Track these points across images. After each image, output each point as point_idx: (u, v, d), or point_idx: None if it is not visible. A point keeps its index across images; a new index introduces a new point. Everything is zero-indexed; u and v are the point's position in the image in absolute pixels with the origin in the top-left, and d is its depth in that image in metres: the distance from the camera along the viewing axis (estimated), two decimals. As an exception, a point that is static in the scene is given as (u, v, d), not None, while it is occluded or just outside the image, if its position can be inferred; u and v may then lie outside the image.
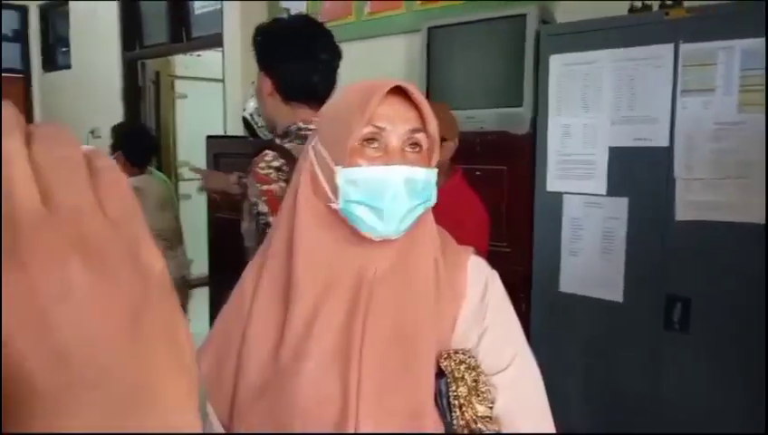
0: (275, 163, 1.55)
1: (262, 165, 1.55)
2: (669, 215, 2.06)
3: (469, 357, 0.92)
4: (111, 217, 0.26)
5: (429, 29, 2.76)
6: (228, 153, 3.90)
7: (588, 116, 2.25)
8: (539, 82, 2.37)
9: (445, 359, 0.91)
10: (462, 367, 0.90)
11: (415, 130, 0.90)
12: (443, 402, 0.88)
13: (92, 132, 5.77)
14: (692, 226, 2.02)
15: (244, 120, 3.61)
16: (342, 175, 0.89)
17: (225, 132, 4.25)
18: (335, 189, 0.90)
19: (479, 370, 0.91)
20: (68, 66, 6.12)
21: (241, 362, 0.93)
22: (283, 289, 0.94)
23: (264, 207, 1.52)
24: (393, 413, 0.87)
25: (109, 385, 0.24)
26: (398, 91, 0.91)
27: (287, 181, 1.47)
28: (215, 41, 4.40)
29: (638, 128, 2.13)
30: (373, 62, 3.54)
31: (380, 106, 0.89)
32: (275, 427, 0.88)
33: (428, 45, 2.77)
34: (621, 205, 2.17)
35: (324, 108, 1.01)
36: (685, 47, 2.02)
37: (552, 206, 2.34)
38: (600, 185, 2.21)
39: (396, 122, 0.89)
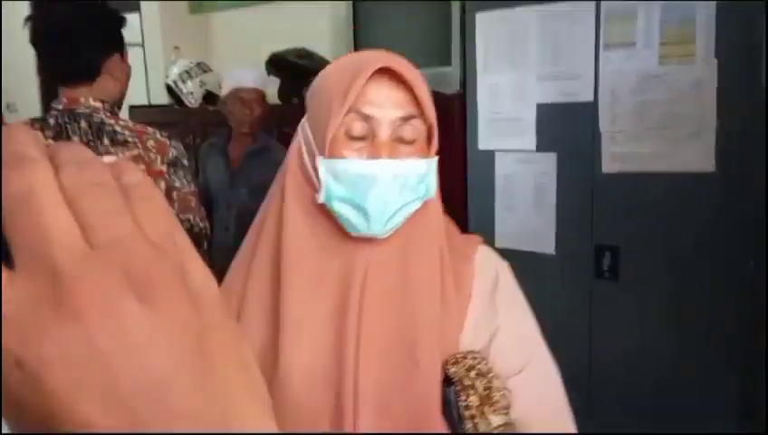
0: None
1: None
2: (596, 168, 2.12)
3: (480, 362, 0.82)
4: (154, 238, 0.24)
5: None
6: (155, 123, 3.78)
7: (515, 73, 2.27)
8: (466, 40, 2.37)
9: (452, 364, 0.81)
10: (472, 373, 0.80)
11: (408, 118, 0.79)
12: (453, 413, 0.79)
13: (8, 107, 5.50)
14: (618, 177, 2.09)
15: (167, 87, 3.50)
16: (324, 166, 0.80)
17: (149, 101, 4.11)
18: (319, 180, 0.81)
19: (491, 375, 0.81)
20: (-26, 37, 5.77)
21: None
22: (273, 288, 0.85)
23: None
24: (394, 425, 0.79)
25: (185, 428, 0.22)
26: (388, 71, 0.78)
27: None
28: (130, 5, 4.20)
29: (563, 84, 2.16)
30: (299, 23, 3.46)
31: (366, 89, 0.78)
32: None
33: (354, 5, 2.72)
34: (551, 160, 2.21)
35: (314, 81, 0.88)
36: (606, 3, 2.05)
37: (484, 163, 2.37)
38: (530, 141, 2.25)
39: (385, 108, 0.78)
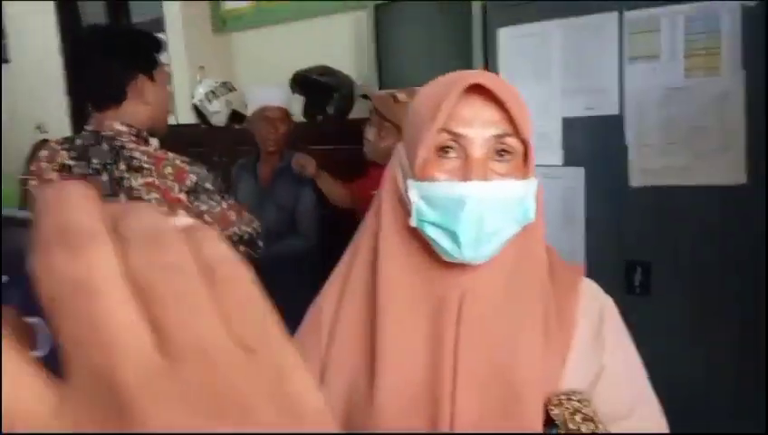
0: None
1: None
2: (624, 182, 2.10)
3: (585, 404, 0.77)
4: (243, 337, 0.19)
5: (376, 6, 2.72)
6: (181, 142, 3.83)
7: (539, 88, 2.26)
8: (489, 56, 2.37)
9: (555, 405, 0.76)
10: (577, 417, 0.75)
11: (502, 136, 0.75)
12: None
13: (39, 128, 5.61)
14: (646, 191, 2.07)
15: (194, 107, 3.55)
16: (414, 188, 0.77)
17: (177, 121, 4.17)
18: (410, 203, 0.78)
19: (596, 419, 0.76)
20: (6, 60, 5.90)
21: (320, 387, 0.82)
22: (368, 313, 0.82)
23: None
24: None
25: None
26: (480, 88, 0.75)
27: None
28: (156, 25, 4.27)
29: (588, 97, 2.15)
30: (322, 41, 3.49)
31: (458, 107, 0.75)
32: None
33: (376, 23, 2.73)
34: (578, 174, 2.20)
35: (412, 102, 0.86)
36: (629, 15, 2.03)
37: (510, 179, 2.36)
38: (556, 156, 2.24)
39: (477, 127, 0.75)
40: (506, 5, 2.34)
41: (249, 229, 1.73)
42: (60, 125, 5.37)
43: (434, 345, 0.78)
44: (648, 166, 2.06)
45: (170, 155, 1.68)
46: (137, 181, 1.63)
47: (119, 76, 1.69)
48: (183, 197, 1.64)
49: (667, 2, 1.95)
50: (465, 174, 0.75)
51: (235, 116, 3.55)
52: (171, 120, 4.20)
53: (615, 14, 2.05)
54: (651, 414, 0.83)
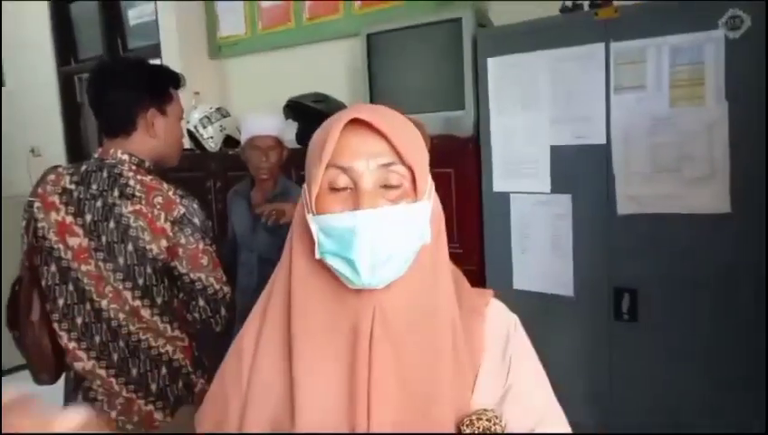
0: None
1: None
2: (611, 209, 2.13)
3: (494, 423, 0.80)
4: None
5: (368, 36, 2.77)
6: (176, 167, 3.85)
7: (528, 116, 2.29)
8: (479, 84, 2.41)
9: (467, 426, 0.79)
10: None
11: (388, 165, 0.78)
12: None
13: (32, 151, 5.62)
14: (633, 219, 2.09)
15: (189, 132, 3.58)
16: (314, 222, 0.81)
17: (171, 145, 4.19)
18: (314, 236, 0.82)
19: None
20: (1, 84, 5.94)
21: (243, 424, 0.85)
22: (285, 340, 0.85)
23: None
24: None
25: None
26: (364, 122, 0.79)
27: None
28: (152, 51, 4.32)
29: (575, 126, 2.18)
30: (315, 68, 3.54)
31: (343, 142, 0.78)
32: None
33: (368, 52, 2.78)
34: (566, 202, 2.23)
35: None
36: (615, 45, 2.07)
37: (499, 205, 2.39)
38: (544, 183, 2.27)
39: (362, 159, 0.78)
40: (496, 35, 2.39)
41: (217, 287, 1.72)
42: (54, 149, 5.39)
43: (349, 370, 0.80)
44: (634, 193, 2.08)
45: (165, 186, 1.71)
46: (126, 208, 1.66)
47: (130, 107, 1.73)
48: (167, 226, 1.66)
49: (653, 34, 2.00)
50: (355, 204, 0.78)
51: (229, 141, 3.57)
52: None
53: (602, 45, 2.09)
54: (556, 424, 0.86)
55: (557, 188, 2.25)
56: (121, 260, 1.67)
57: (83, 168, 1.74)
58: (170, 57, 4.09)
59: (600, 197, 2.15)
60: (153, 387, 1.74)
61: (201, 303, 1.71)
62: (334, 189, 0.80)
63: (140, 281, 1.68)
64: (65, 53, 5.24)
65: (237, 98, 4.07)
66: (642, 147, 2.05)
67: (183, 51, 4.05)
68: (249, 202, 2.83)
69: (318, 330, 0.83)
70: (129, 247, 1.66)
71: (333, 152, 0.79)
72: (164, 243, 1.66)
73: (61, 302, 1.73)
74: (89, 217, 1.69)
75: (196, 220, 1.70)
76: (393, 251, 0.78)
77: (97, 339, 1.72)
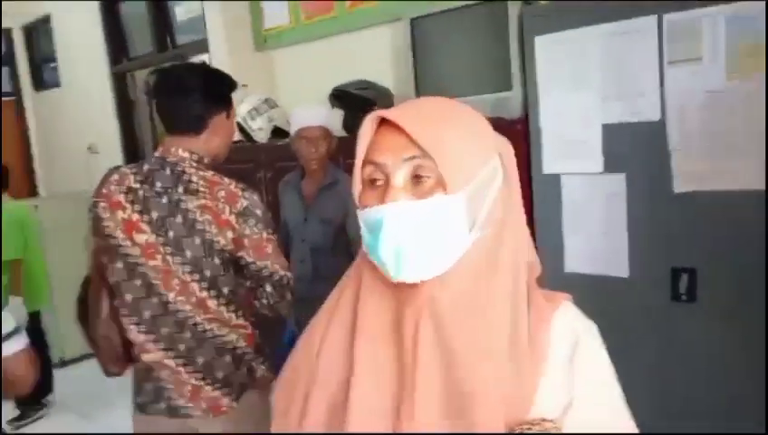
0: None
1: None
2: (668, 187, 2.06)
3: (555, 432, 0.75)
4: None
5: (412, 20, 2.75)
6: (227, 159, 3.91)
7: (578, 95, 2.24)
8: (526, 64, 2.36)
9: (520, 433, 0.75)
10: None
11: (412, 158, 0.79)
12: None
13: (89, 148, 5.79)
14: (691, 197, 2.02)
15: (238, 124, 3.62)
16: (359, 218, 0.84)
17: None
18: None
19: None
20: (57, 85, 6.12)
21: (306, 406, 0.87)
22: (348, 338, 0.87)
23: None
24: None
25: None
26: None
27: None
28: (200, 46, 4.39)
29: (628, 103, 2.12)
30: (360, 55, 3.53)
31: (378, 137, 0.82)
32: None
33: (412, 36, 2.75)
34: (619, 181, 2.17)
35: None
36: (668, 17, 2.00)
37: (550, 187, 2.35)
38: (597, 163, 2.21)
39: (389, 153, 0.80)
40: (542, 13, 2.34)
41: (282, 273, 1.81)
42: (110, 145, 5.54)
43: (398, 367, 0.81)
44: (691, 170, 2.01)
45: (226, 180, 1.79)
46: (192, 204, 1.74)
47: (204, 110, 1.83)
48: (232, 219, 1.74)
49: (707, 3, 1.92)
50: (384, 198, 0.80)
51: (277, 132, 3.60)
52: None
53: (654, 18, 2.02)
54: None
55: (610, 167, 2.19)
56: (189, 253, 1.74)
57: (146, 167, 1.81)
58: (218, 51, 4.15)
59: (655, 175, 2.08)
60: (219, 374, 1.81)
61: (268, 289, 1.79)
62: (371, 185, 0.82)
63: (207, 272, 1.75)
64: (117, 52, 5.37)
65: (284, 89, 4.10)
66: (698, 122, 1.98)
67: (230, 44, 4.09)
68: (300, 192, 2.86)
69: (377, 326, 0.83)
70: (197, 241, 1.73)
71: (368, 149, 0.82)
72: (230, 234, 1.73)
73: (128, 297, 1.80)
74: (155, 214, 1.75)
75: (258, 211, 1.78)
76: (421, 244, 0.78)
77: (164, 331, 1.79)
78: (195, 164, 1.79)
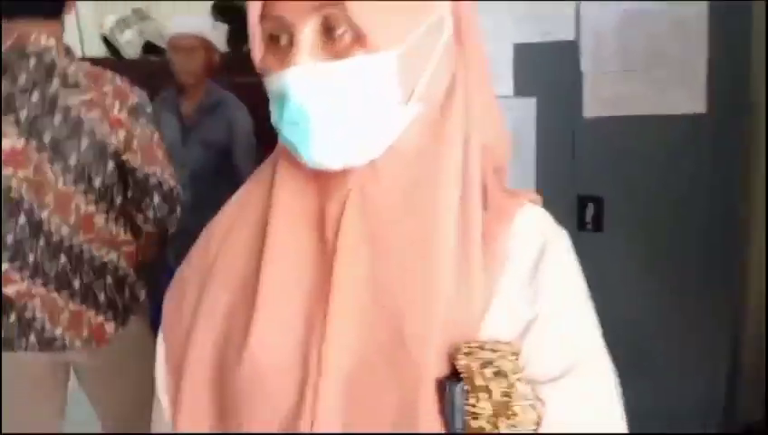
0: None
1: None
2: (577, 112, 1.99)
3: (502, 356, 0.58)
4: None
5: None
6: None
7: (488, 13, 2.09)
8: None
9: (465, 355, 0.58)
10: (488, 371, 0.57)
11: (321, 7, 0.59)
12: (455, 416, 0.57)
13: None
14: (601, 122, 1.97)
15: (104, 38, 3.24)
16: (266, 87, 0.65)
17: (84, 55, 3.80)
18: None
19: (515, 377, 0.57)
20: None
21: (200, 305, 0.70)
22: (257, 233, 0.69)
23: None
24: (367, 421, 0.61)
25: None
26: None
27: None
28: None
29: (542, 22, 2.01)
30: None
31: None
32: (220, 398, 0.67)
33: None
34: (530, 105, 2.07)
35: None
36: (588, -70, 1.90)
37: (456, 111, 2.23)
38: (507, 85, 2.10)
39: (294, 2, 0.60)
40: None
41: (172, 183, 1.62)
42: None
43: (313, 269, 0.65)
44: (603, 95, 1.95)
45: (109, 73, 1.58)
46: (74, 99, 1.49)
47: None
48: (123, 116, 1.53)
49: None
50: (288, 61, 0.60)
51: (150, 48, 3.26)
52: (77, 53, 3.83)
53: (573, -71, 1.91)
54: (595, 379, 0.64)
55: (520, 90, 2.08)
56: (74, 158, 1.48)
57: None
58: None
59: (566, 99, 2.00)
60: (101, 297, 1.60)
61: (156, 200, 1.59)
62: (274, 44, 0.63)
63: (97, 181, 1.51)
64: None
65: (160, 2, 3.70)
66: (614, 43, 1.91)
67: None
68: (177, 111, 2.59)
69: (292, 221, 0.66)
70: (84, 143, 1.48)
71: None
72: (122, 135, 1.52)
73: None
74: (23, 114, 1.47)
75: (149, 110, 1.60)
76: (336, 119, 0.61)
77: (31, 258, 1.52)
78: (65, 54, 1.53)
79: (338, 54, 0.60)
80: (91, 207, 1.53)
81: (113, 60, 3.28)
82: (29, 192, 1.48)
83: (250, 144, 2.54)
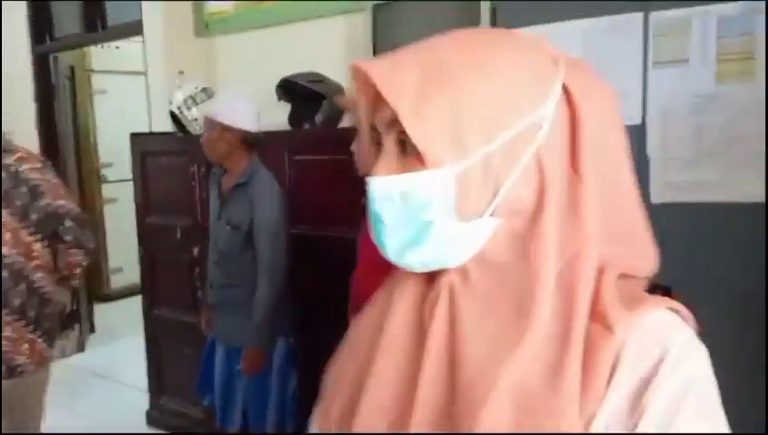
0: None
1: None
2: (644, 197, 1.92)
3: None
4: None
5: (375, 6, 2.55)
6: (157, 151, 3.61)
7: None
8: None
9: None
10: None
11: (397, 124, 0.62)
12: None
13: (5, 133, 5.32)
14: (669, 208, 1.89)
15: (172, 114, 3.33)
16: None
17: (151, 129, 3.94)
18: None
19: None
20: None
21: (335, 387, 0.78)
22: (374, 331, 0.76)
23: None
24: None
25: None
26: None
27: None
28: (133, 29, 4.06)
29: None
30: (311, 46, 3.30)
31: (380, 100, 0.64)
32: None
33: (374, 25, 2.56)
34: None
35: None
36: (655, 15, 1.87)
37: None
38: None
39: (381, 114, 0.65)
40: (518, 5, 2.18)
41: (78, 209, 2.26)
42: (26, 131, 5.11)
43: (409, 371, 0.68)
44: (672, 180, 1.88)
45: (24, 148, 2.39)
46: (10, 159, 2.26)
47: None
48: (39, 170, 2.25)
49: (699, 1, 1.80)
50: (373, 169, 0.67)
51: (216, 124, 3.33)
52: (145, 128, 3.97)
53: (640, 15, 1.89)
54: None
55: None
56: (18, 203, 2.14)
57: None
58: (153, 34, 3.84)
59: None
60: (46, 325, 2.25)
61: (68, 223, 2.17)
62: (377, 150, 0.69)
63: (34, 216, 2.18)
64: (40, 31, 4.94)
65: (225, 79, 3.82)
66: (682, 128, 1.85)
67: (167, 27, 3.79)
68: (219, 187, 2.64)
69: (400, 317, 0.71)
70: (23, 189, 2.16)
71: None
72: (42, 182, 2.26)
73: None
74: None
75: (50, 163, 2.40)
76: (403, 226, 0.64)
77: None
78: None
79: (405, 168, 0.64)
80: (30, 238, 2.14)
81: (179, 136, 3.38)
82: None
83: (269, 228, 2.44)
